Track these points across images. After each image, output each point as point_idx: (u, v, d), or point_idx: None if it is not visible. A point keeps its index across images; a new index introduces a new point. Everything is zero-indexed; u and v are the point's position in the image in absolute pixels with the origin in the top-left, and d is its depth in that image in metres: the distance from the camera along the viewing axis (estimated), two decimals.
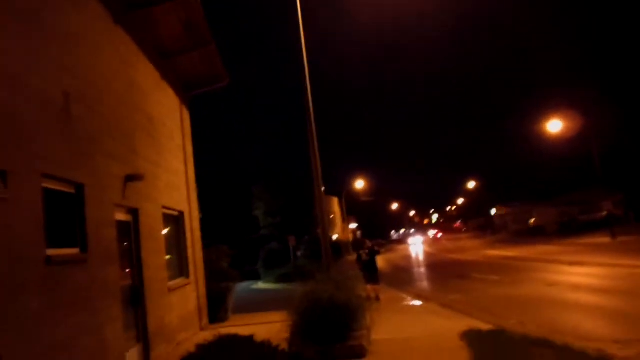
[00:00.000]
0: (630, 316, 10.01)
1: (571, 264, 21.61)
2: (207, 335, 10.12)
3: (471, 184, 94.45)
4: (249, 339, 6.65)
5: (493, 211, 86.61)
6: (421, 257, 44.42)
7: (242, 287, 26.52)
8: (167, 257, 9.86)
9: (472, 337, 8.33)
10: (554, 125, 37.08)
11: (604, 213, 40.71)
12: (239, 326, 11.34)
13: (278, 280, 26.86)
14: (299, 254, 34.34)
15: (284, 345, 7.93)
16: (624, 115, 51.27)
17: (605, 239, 34.13)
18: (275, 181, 37.10)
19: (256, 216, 36.93)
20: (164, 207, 9.66)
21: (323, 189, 11.67)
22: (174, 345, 8.79)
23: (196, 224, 12.14)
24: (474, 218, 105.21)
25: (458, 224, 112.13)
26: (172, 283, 9.67)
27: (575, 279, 16.73)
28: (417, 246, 70.04)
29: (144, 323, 7.87)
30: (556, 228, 49.33)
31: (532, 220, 65.93)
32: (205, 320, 11.57)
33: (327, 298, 8.31)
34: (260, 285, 28.78)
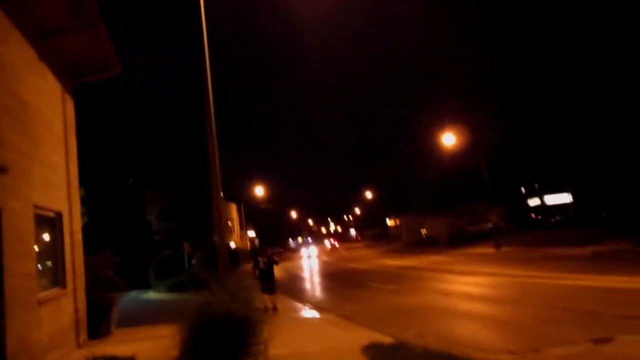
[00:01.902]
0: (520, 325, 10.26)
1: (462, 273, 22.43)
2: (84, 353, 8.98)
3: (368, 194, 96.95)
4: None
5: (388, 221, 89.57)
6: (319, 266, 44.51)
7: (131, 297, 24.72)
8: (38, 264, 8.60)
9: (374, 352, 8.01)
10: (448, 139, 38.84)
11: (490, 225, 43.18)
12: (123, 342, 10.25)
13: (170, 289, 25.38)
14: (193, 261, 32.81)
15: None
16: (514, 131, 55.08)
17: (490, 250, 36.16)
18: (170, 184, 35.29)
19: (149, 221, 34.85)
20: (37, 207, 8.42)
21: (222, 194, 10.96)
22: None
23: (77, 227, 10.84)
24: (370, 228, 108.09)
25: (335, 239, 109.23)
26: (44, 294, 8.42)
27: (467, 288, 17.24)
28: (311, 258, 63.51)
29: (1, 343, 6.66)
30: (447, 239, 51.70)
31: (424, 231, 68.90)
32: (83, 336, 10.30)
33: (223, 311, 7.59)
34: (151, 295, 27.06)
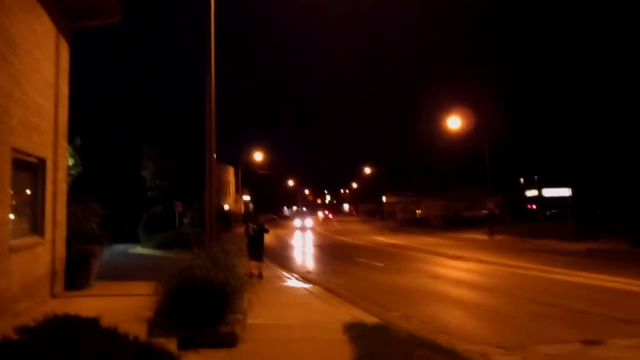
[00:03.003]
0: (508, 318, 9.99)
1: (453, 257, 22.20)
2: (57, 304, 8.68)
3: (367, 170, 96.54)
4: (93, 323, 5.38)
5: (384, 198, 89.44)
6: (310, 236, 44.36)
7: (118, 250, 24.53)
8: (15, 211, 8.22)
9: (356, 331, 7.70)
10: (453, 122, 38.27)
11: (485, 212, 42.97)
12: (99, 296, 9.95)
13: (158, 246, 25.13)
14: (185, 221, 32.57)
15: (143, 328, 6.78)
16: (519, 122, 54.64)
17: (483, 236, 36.05)
18: (168, 142, 34.76)
19: (144, 176, 34.43)
20: (16, 150, 7.97)
21: (215, 155, 10.54)
22: (10, 317, 7.27)
23: (62, 175, 10.40)
24: (365, 203, 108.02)
25: (329, 211, 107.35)
26: (17, 242, 8.03)
27: (458, 274, 16.99)
28: (305, 231, 55.98)
29: None
30: (441, 221, 51.56)
31: (419, 211, 68.83)
32: (59, 286, 9.97)
33: (202, 276, 7.25)
34: (138, 250, 26.81)
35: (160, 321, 7.25)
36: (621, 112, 55.46)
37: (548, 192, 54.89)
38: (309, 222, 69.49)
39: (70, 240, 10.86)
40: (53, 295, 9.59)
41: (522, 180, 67.35)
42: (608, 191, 49.80)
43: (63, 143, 10.51)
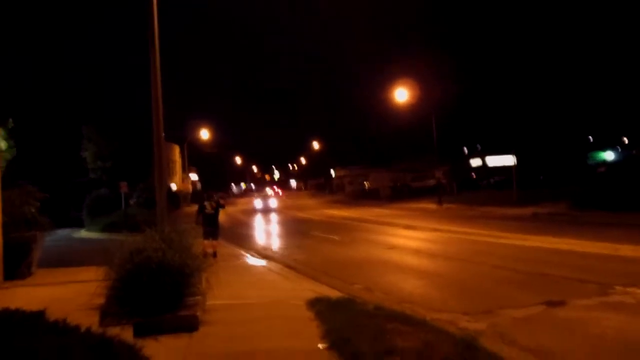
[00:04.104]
0: (469, 284, 10.02)
1: (406, 227, 22.40)
2: None
3: (315, 145, 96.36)
4: (38, 316, 4.84)
5: (332, 172, 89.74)
6: (262, 213, 43.87)
7: (62, 235, 23.47)
8: None
9: (321, 307, 7.45)
10: (400, 94, 38.42)
11: (433, 181, 43.75)
12: (43, 285, 9.30)
13: (104, 229, 24.12)
14: (131, 202, 31.37)
15: (94, 317, 6.28)
16: (465, 91, 55.65)
17: (432, 205, 36.65)
18: (109, 121, 33.16)
19: (85, 158, 32.84)
20: None
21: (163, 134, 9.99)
22: None
23: None
24: (314, 178, 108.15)
25: (278, 187, 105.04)
26: None
27: (413, 243, 17.09)
28: (269, 213, 42.49)
29: None
30: (389, 192, 52.16)
31: (367, 184, 69.46)
32: None
33: (158, 258, 6.77)
34: (83, 234, 25.70)
35: (113, 308, 6.76)
36: (559, 80, 57.48)
37: (492, 161, 56.48)
38: (273, 202, 54.37)
39: (7, 227, 10.07)
40: None
41: (465, 149, 68.98)
42: (548, 158, 51.71)
43: None
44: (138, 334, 6.12)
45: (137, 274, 6.67)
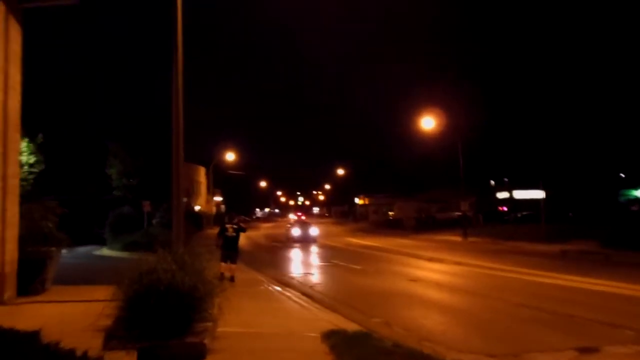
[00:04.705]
0: (495, 323, 9.50)
1: (430, 259, 21.81)
2: (4, 312, 7.83)
3: (340, 171, 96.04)
4: (32, 337, 4.59)
5: (356, 200, 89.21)
6: (284, 239, 43.53)
7: (82, 252, 23.50)
8: None
9: (336, 340, 7.07)
10: (427, 123, 38.05)
11: (458, 213, 42.92)
12: (54, 302, 9.13)
13: (125, 248, 24.07)
14: (154, 221, 31.43)
15: (98, 340, 6.02)
16: (490, 124, 55.11)
17: (457, 238, 35.85)
18: (136, 138, 33.48)
19: (110, 175, 33.10)
20: None
21: (183, 153, 9.94)
22: None
23: (14, 171, 9.52)
24: (338, 205, 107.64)
25: (302, 213, 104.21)
26: None
27: (436, 276, 16.54)
28: (310, 243, 34.48)
29: None
30: (414, 223, 51.40)
31: (392, 213, 68.73)
32: (10, 292, 9.10)
33: (167, 280, 6.52)
34: (104, 252, 25.75)
35: (120, 331, 6.49)
36: (590, 115, 56.44)
37: (519, 194, 55.30)
38: (314, 230, 37.45)
39: (24, 241, 9.98)
40: (2, 302, 8.72)
41: (492, 182, 67.91)
42: (578, 193, 50.44)
43: (14, 135, 9.63)
44: (142, 359, 5.84)
45: (145, 295, 6.43)
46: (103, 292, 8.06)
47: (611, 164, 58.30)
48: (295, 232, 36.50)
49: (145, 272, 6.72)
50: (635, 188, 51.53)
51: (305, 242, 34.07)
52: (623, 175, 62.40)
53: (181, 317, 6.49)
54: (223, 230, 14.74)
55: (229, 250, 14.13)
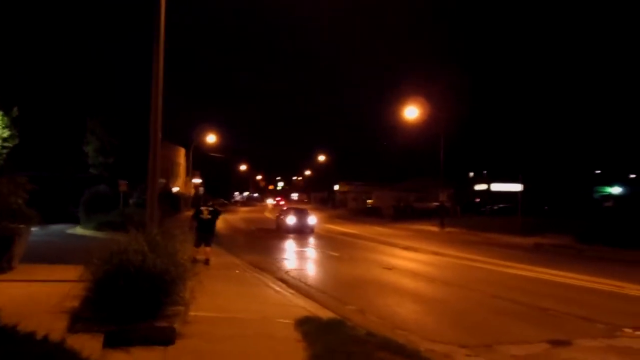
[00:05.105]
0: (468, 314, 9.52)
1: (406, 248, 21.87)
2: None
3: (321, 157, 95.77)
4: None
5: (336, 187, 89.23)
6: (261, 222, 43.38)
7: (55, 230, 23.03)
8: None
9: (310, 327, 6.97)
10: (410, 112, 37.99)
11: (436, 203, 43.18)
12: (20, 282, 8.86)
13: (100, 227, 23.57)
14: (130, 201, 30.89)
15: (63, 322, 5.82)
16: (474, 117, 55.46)
17: (434, 228, 36.07)
18: (114, 116, 32.73)
19: (86, 152, 32.40)
20: None
21: (161, 134, 9.74)
22: None
23: None
24: (318, 191, 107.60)
25: (281, 198, 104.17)
26: None
27: (412, 265, 16.57)
28: (307, 233, 29.60)
29: None
30: (392, 211, 51.59)
31: (370, 201, 68.91)
32: None
33: (138, 262, 6.33)
34: (78, 230, 25.21)
35: (87, 313, 6.29)
36: (569, 113, 57.19)
37: (497, 187, 55.90)
38: (312, 219, 32.26)
39: None
40: None
41: (471, 174, 68.54)
42: (554, 188, 51.14)
43: None
44: (109, 344, 5.65)
45: (114, 276, 6.24)
46: (72, 272, 7.82)
47: (587, 161, 59.29)
48: (291, 220, 31.38)
49: (116, 252, 6.52)
50: (610, 185, 52.45)
51: (301, 232, 29.66)
52: (599, 172, 63.49)
53: (151, 300, 6.31)
54: (198, 212, 14.54)
55: (204, 232, 13.93)
